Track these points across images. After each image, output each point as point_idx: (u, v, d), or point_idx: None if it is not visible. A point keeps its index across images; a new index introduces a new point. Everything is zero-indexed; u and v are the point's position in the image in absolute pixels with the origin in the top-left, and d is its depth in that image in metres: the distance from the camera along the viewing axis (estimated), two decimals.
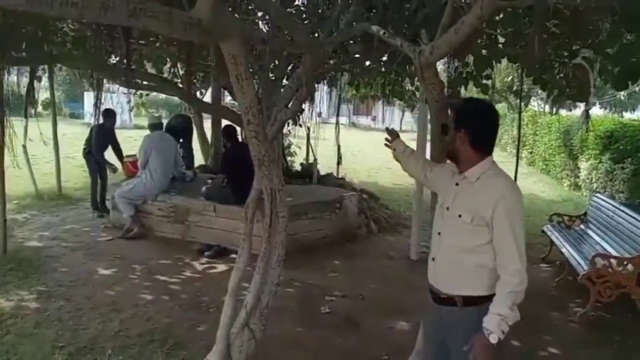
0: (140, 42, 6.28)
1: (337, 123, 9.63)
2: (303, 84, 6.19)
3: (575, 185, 10.37)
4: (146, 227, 5.99)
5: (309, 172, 8.20)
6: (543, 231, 5.60)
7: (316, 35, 4.72)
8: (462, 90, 6.10)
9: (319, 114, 10.11)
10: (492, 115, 2.03)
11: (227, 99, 10.59)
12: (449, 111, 2.05)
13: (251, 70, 8.16)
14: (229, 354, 2.78)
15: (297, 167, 8.88)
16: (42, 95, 24.91)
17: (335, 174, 9.08)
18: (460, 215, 1.93)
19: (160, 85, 7.41)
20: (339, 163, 9.47)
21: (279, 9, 4.19)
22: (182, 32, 2.35)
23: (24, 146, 7.33)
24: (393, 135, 2.48)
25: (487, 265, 1.90)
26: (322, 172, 8.55)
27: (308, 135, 8.85)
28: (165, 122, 7.37)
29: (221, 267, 5.07)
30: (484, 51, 4.25)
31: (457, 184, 2.00)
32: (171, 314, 3.93)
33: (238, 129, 6.02)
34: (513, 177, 7.10)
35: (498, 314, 1.81)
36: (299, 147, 9.36)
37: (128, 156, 6.99)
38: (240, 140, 5.97)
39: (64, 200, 7.56)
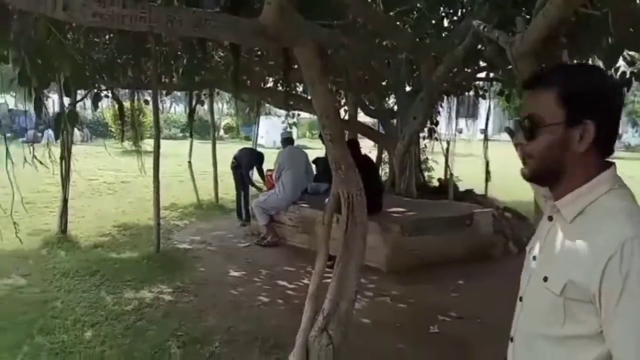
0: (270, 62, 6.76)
1: (486, 137, 9.12)
2: (426, 95, 6.00)
3: None
4: (279, 236, 6.39)
5: (446, 187, 7.85)
6: None
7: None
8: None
9: (460, 130, 9.68)
10: (620, 92, 1.25)
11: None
12: (529, 96, 1.14)
13: (385, 82, 8.09)
14: (307, 357, 2.80)
15: (435, 183, 8.57)
16: (224, 120, 28.57)
17: (483, 191, 8.55)
18: (545, 279, 1.10)
19: (306, 104, 7.93)
20: (487, 180, 8.91)
21: (379, 14, 4.16)
22: (249, 40, 2.51)
23: (189, 162, 8.50)
24: None
25: None
26: (464, 189, 8.13)
27: (447, 150, 8.51)
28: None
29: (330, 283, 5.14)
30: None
31: (550, 218, 1.18)
32: (280, 317, 4.11)
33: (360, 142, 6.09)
34: None
35: None
36: (436, 162, 9.04)
37: (269, 170, 7.59)
38: (363, 153, 6.01)
39: (220, 210, 8.49)
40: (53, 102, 6.31)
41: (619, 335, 0.99)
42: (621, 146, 25.70)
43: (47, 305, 4.05)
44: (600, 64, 4.08)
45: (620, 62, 4.72)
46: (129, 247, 5.93)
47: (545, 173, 1.13)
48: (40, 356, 3.26)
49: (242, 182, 7.47)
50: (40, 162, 4.36)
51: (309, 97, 8.66)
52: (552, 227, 1.15)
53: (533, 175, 1.16)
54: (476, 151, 9.88)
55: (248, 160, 7.48)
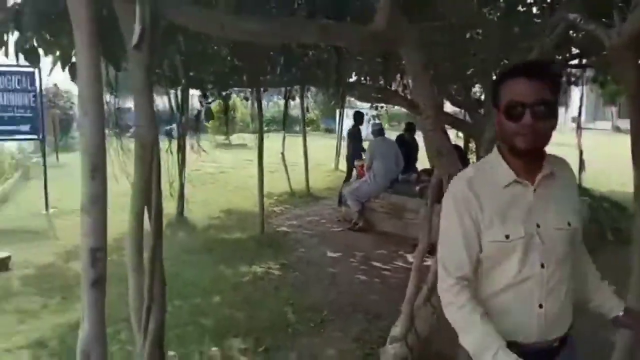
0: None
1: (579, 125, 8.91)
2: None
3: None
4: (370, 222, 6.77)
5: None
6: None
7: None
8: None
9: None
10: None
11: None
12: (537, 82, 1.35)
13: (471, 72, 8.11)
14: (412, 324, 3.16)
15: None
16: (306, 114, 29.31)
17: (577, 181, 8.40)
18: (569, 224, 1.43)
19: (389, 97, 8.20)
20: (581, 169, 8.69)
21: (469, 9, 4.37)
22: (364, 44, 2.89)
23: (283, 154, 9.11)
24: None
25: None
26: None
27: None
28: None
29: (430, 262, 5.42)
30: None
31: (535, 190, 1.42)
32: (378, 293, 4.50)
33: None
34: None
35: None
36: None
37: (359, 160, 7.97)
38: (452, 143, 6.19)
39: (310, 198, 9.04)
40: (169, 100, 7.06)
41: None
42: None
43: (179, 276, 4.73)
44: None
45: None
46: (237, 229, 6.61)
47: (538, 149, 1.41)
48: (182, 315, 3.90)
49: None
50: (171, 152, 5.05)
51: (393, 89, 8.99)
52: (543, 191, 1.42)
53: (542, 148, 1.41)
54: (567, 140, 9.66)
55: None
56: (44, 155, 8.11)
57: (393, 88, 9.05)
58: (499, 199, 1.40)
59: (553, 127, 1.38)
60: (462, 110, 9.53)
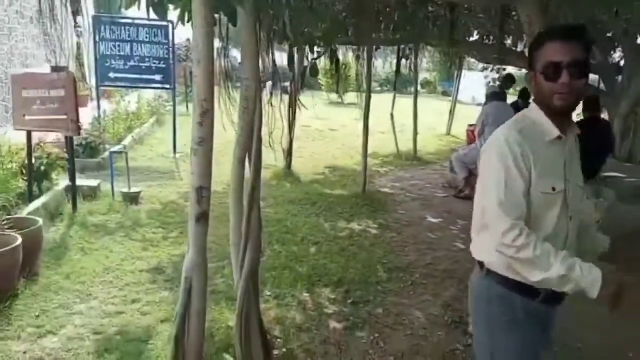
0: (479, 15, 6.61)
1: None
2: None
3: None
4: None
5: None
6: None
7: None
8: None
9: None
10: None
11: None
12: (572, 44, 1.45)
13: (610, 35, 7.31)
14: None
15: None
16: (421, 75, 28.45)
17: None
18: (580, 185, 1.64)
19: (513, 58, 7.63)
20: None
21: None
22: (483, 1, 2.70)
23: (392, 115, 8.99)
24: None
25: None
26: None
27: None
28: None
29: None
30: None
31: (567, 151, 1.58)
32: (474, 263, 4.36)
33: None
34: None
35: None
36: None
37: (470, 125, 7.60)
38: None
39: (417, 162, 8.88)
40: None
41: None
42: None
43: (281, 224, 5.03)
44: None
45: None
46: (340, 186, 6.77)
47: (579, 102, 1.54)
48: (280, 259, 4.17)
49: None
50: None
51: (520, 50, 8.27)
52: (570, 147, 1.56)
53: (576, 106, 1.53)
54: None
55: None
56: (174, 104, 8.92)
57: (519, 49, 8.40)
58: (545, 152, 1.50)
59: (586, 85, 1.49)
60: (597, 77, 8.57)
